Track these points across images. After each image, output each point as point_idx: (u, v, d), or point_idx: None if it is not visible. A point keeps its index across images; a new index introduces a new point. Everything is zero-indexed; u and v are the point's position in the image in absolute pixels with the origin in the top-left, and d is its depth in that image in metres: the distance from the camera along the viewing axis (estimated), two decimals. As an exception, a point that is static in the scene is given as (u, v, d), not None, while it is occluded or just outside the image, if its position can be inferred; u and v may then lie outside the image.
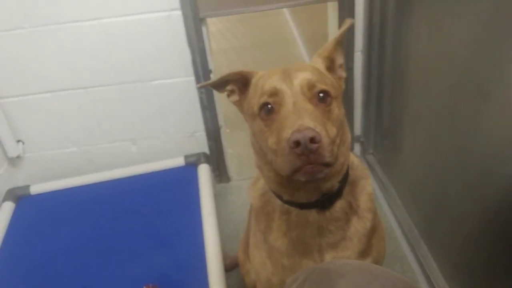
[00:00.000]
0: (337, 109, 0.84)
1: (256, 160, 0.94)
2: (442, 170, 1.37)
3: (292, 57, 3.25)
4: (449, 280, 1.37)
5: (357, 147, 2.13)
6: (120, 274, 1.48)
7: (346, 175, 0.93)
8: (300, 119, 0.75)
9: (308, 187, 0.86)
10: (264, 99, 0.83)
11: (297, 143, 0.73)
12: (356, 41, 1.85)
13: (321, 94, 0.82)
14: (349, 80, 1.92)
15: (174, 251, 1.54)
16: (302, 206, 0.91)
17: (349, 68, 1.89)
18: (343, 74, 0.95)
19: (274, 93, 0.82)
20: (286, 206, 0.93)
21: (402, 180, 1.75)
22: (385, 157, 1.94)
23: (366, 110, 2.01)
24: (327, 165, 0.77)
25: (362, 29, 1.83)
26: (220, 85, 0.96)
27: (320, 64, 0.92)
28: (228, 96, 0.97)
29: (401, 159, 1.76)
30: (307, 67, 0.87)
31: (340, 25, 1.80)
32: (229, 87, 0.96)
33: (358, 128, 2.08)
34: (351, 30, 1.81)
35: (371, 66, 1.87)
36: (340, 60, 0.95)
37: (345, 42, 1.83)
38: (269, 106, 0.82)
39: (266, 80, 0.85)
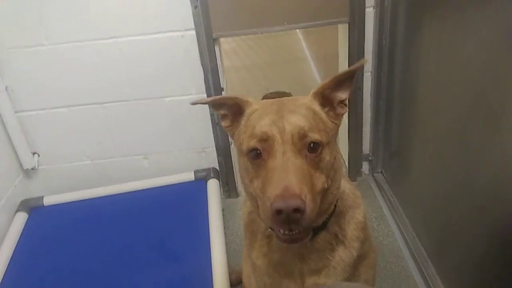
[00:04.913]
0: (328, 156, 0.82)
1: (242, 182, 0.92)
2: (451, 192, 1.36)
3: (304, 76, 3.29)
4: (456, 302, 1.36)
5: (366, 166, 2.14)
6: (128, 287, 1.50)
7: (333, 208, 0.92)
8: (287, 178, 0.74)
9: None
10: (254, 143, 0.81)
11: (280, 212, 0.72)
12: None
13: (311, 144, 0.80)
14: (358, 100, 1.94)
15: (181, 264, 1.55)
16: None
17: (358, 89, 1.92)
18: (342, 111, 0.90)
19: (264, 139, 0.80)
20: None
21: (410, 199, 1.75)
22: (394, 176, 1.94)
23: (375, 129, 2.02)
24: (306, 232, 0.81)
25: (372, 50, 1.85)
26: (215, 106, 0.94)
27: (315, 104, 0.88)
28: (221, 119, 0.95)
29: (409, 178, 1.76)
30: (301, 108, 0.84)
31: (350, 45, 1.83)
32: (222, 111, 0.93)
33: (367, 147, 2.09)
34: (361, 51, 1.84)
35: (381, 87, 1.89)
36: (342, 96, 0.89)
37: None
38: (258, 151, 0.81)
39: (258, 121, 0.83)
